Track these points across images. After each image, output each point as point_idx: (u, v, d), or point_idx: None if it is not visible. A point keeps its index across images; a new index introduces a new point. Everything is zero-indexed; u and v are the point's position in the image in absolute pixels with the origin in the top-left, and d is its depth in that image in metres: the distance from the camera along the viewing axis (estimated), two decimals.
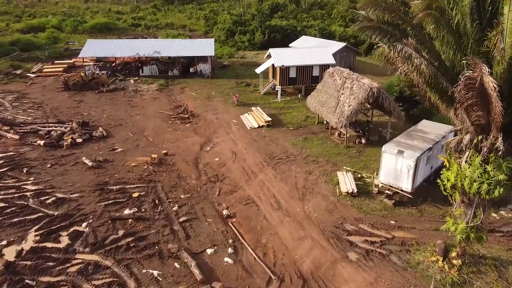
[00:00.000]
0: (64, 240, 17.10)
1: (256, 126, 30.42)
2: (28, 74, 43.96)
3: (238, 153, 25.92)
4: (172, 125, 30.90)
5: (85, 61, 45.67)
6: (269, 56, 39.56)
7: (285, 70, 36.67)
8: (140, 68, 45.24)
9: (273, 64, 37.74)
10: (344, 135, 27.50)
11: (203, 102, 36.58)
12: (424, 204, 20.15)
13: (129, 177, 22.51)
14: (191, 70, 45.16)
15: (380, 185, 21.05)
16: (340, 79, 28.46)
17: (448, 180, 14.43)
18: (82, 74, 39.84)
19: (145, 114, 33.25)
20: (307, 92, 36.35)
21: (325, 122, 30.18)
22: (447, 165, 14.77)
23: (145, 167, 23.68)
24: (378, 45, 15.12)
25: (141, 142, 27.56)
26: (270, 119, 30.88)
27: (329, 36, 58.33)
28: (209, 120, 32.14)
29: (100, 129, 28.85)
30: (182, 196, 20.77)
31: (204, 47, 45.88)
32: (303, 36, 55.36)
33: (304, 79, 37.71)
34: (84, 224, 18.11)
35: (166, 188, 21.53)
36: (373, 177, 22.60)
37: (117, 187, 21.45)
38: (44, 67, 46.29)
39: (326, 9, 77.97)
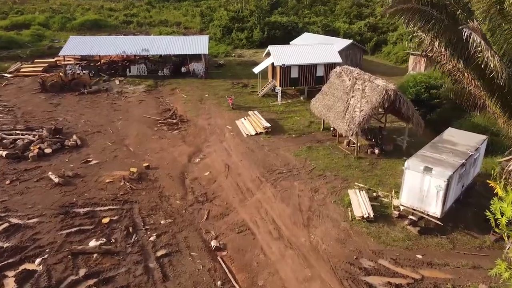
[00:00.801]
0: (9, 284, 13.75)
1: (254, 133, 27.10)
2: (4, 74, 40.63)
3: (232, 166, 22.61)
4: (158, 132, 27.56)
5: (66, 60, 42.33)
6: (268, 55, 36.26)
7: (285, 69, 33.38)
8: (127, 68, 41.91)
9: (272, 63, 34.45)
10: (354, 144, 24.20)
11: (195, 105, 33.26)
12: (456, 231, 16.83)
13: (101, 197, 19.16)
14: (183, 69, 41.87)
15: (402, 208, 17.72)
16: (350, 80, 25.16)
17: (502, 214, 11.09)
18: (61, 74, 36.49)
19: (129, 119, 29.91)
20: (310, 94, 33.07)
21: (331, 128, 26.87)
22: (500, 194, 11.43)
23: (122, 183, 20.34)
24: (414, 34, 11.69)
25: (120, 152, 24.22)
26: (269, 125, 27.55)
27: (333, 33, 55.05)
28: (200, 126, 28.82)
29: (74, 137, 25.53)
30: (162, 222, 17.43)
31: (198, 44, 42.59)
32: (305, 33, 52.08)
33: (307, 80, 34.40)
34: (37, 261, 14.75)
35: (144, 211, 18.18)
36: (391, 196, 19.29)
37: (85, 209, 18.09)
38: (23, 66, 42.95)
39: (329, 5, 74.68)
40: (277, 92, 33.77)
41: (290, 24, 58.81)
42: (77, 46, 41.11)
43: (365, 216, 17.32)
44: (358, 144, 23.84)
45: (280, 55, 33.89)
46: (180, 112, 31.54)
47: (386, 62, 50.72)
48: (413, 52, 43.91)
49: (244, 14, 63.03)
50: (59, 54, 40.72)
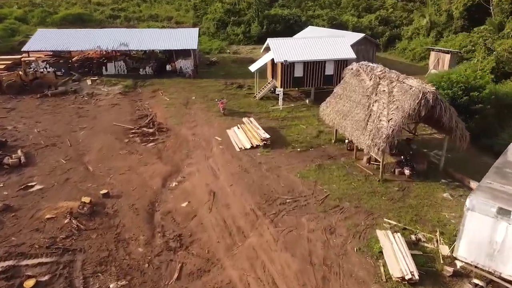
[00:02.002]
0: None
1: (248, 146, 22.00)
2: None
3: (219, 193, 17.49)
4: (128, 145, 22.44)
5: (35, 56, 37.19)
6: (267, 50, 31.17)
7: (288, 67, 28.29)
8: (103, 66, 36.78)
9: (272, 60, 29.38)
10: (377, 162, 19.13)
11: (179, 110, 28.14)
12: None
13: (34, 242, 14.03)
14: (168, 67, 36.79)
15: (459, 263, 12.61)
16: (371, 80, 20.06)
17: None
18: (20, 72, 31.36)
19: (95, 127, 24.77)
20: (317, 96, 28.08)
21: (347, 141, 21.78)
22: None
23: (66, 221, 15.21)
24: None
25: (74, 173, 19.09)
26: (268, 136, 22.44)
27: (341, 27, 50.01)
28: (183, 137, 23.70)
29: (19, 152, 20.43)
30: (112, 286, 12.27)
31: (186, 38, 37.50)
32: (310, 26, 47.03)
33: (313, 79, 29.30)
34: None
35: (89, 266, 13.05)
36: (437, 241, 14.20)
37: (5, 264, 12.95)
38: None
39: None
40: (278, 94, 28.72)
41: (292, 17, 53.77)
42: (44, 40, 36.05)
43: (406, 277, 12.19)
44: (384, 163, 18.71)
45: (282, 49, 28.80)
46: (160, 119, 26.43)
47: (401, 59, 45.66)
48: (435, 48, 38.83)
49: (241, 7, 57.99)
50: (23, 49, 35.61)
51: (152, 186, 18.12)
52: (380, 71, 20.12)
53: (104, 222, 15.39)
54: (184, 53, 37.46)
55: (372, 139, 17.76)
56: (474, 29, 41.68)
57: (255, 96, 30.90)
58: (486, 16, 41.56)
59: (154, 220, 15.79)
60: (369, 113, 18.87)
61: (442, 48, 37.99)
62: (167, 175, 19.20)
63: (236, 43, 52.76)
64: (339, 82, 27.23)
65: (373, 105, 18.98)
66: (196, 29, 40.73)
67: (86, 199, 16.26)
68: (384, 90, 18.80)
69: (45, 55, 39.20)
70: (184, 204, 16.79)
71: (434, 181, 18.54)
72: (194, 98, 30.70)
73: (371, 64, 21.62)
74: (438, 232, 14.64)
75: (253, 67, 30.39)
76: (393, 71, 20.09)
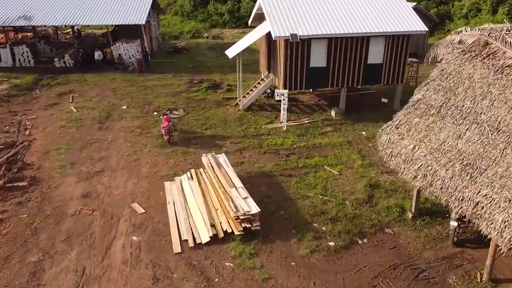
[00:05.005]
0: None
1: (207, 237, 9.12)
2: None
3: None
4: None
5: None
6: (259, 19, 18.19)
7: (299, 48, 15.42)
8: None
9: (268, 35, 16.62)
10: None
11: (85, 132, 15.23)
12: None
13: None
14: (97, 55, 23.86)
15: None
16: None
17: None
18: None
19: None
20: (351, 104, 15.49)
21: (452, 223, 8.87)
22: None
23: None
24: None
25: None
26: (254, 209, 9.52)
27: None
28: (58, 203, 10.77)
29: None
30: None
31: (129, 9, 24.57)
32: None
33: (345, 73, 16.40)
34: None
35: None
36: None
37: None
38: None
39: None
40: (279, 101, 15.86)
41: None
42: None
43: None
44: None
45: (287, 15, 15.83)
46: (36, 152, 13.51)
47: None
48: None
49: None
50: None
51: None
52: None
53: None
54: (127, 33, 24.64)
55: None
56: None
57: (236, 103, 17.99)
58: None
59: None
60: None
61: None
62: None
63: (221, 25, 39.89)
64: (395, 79, 15.05)
65: None
66: None
67: None
68: None
69: None
70: None
71: None
72: (125, 107, 17.74)
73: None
74: None
75: (231, 51, 17.31)
76: None
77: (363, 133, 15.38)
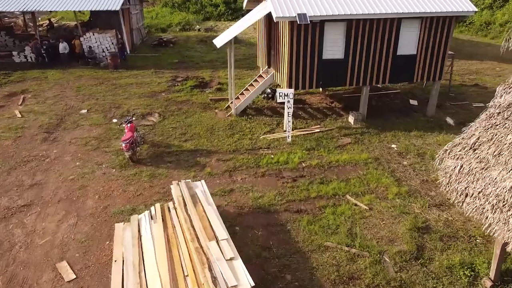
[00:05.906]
0: None
1: None
2: None
3: None
4: None
5: None
6: (254, 1, 14.52)
7: (308, 34, 11.78)
8: None
9: (268, 18, 13.03)
10: None
11: (24, 146, 11.59)
12: None
13: None
14: (62, 48, 20.19)
15: None
16: None
17: None
18: None
19: None
20: (373, 108, 11.88)
21: None
22: None
23: None
24: None
25: None
26: (242, 285, 5.82)
27: None
28: None
29: None
30: None
31: None
32: None
33: (369, 66, 12.75)
34: None
35: None
36: None
37: None
38: None
39: None
40: (283, 103, 12.28)
41: None
42: None
43: None
44: None
45: None
46: None
47: (485, 40, 29.16)
48: None
49: None
50: None
51: None
52: None
53: None
54: (100, 22, 21.04)
55: None
56: None
57: (228, 106, 14.35)
58: None
59: None
60: None
61: None
62: None
63: (215, 17, 36.28)
64: (432, 75, 12.12)
65: None
66: None
67: None
68: None
69: None
70: None
71: None
72: (85, 112, 14.09)
73: None
74: None
75: (220, 39, 13.67)
76: None
77: (393, 146, 11.77)
